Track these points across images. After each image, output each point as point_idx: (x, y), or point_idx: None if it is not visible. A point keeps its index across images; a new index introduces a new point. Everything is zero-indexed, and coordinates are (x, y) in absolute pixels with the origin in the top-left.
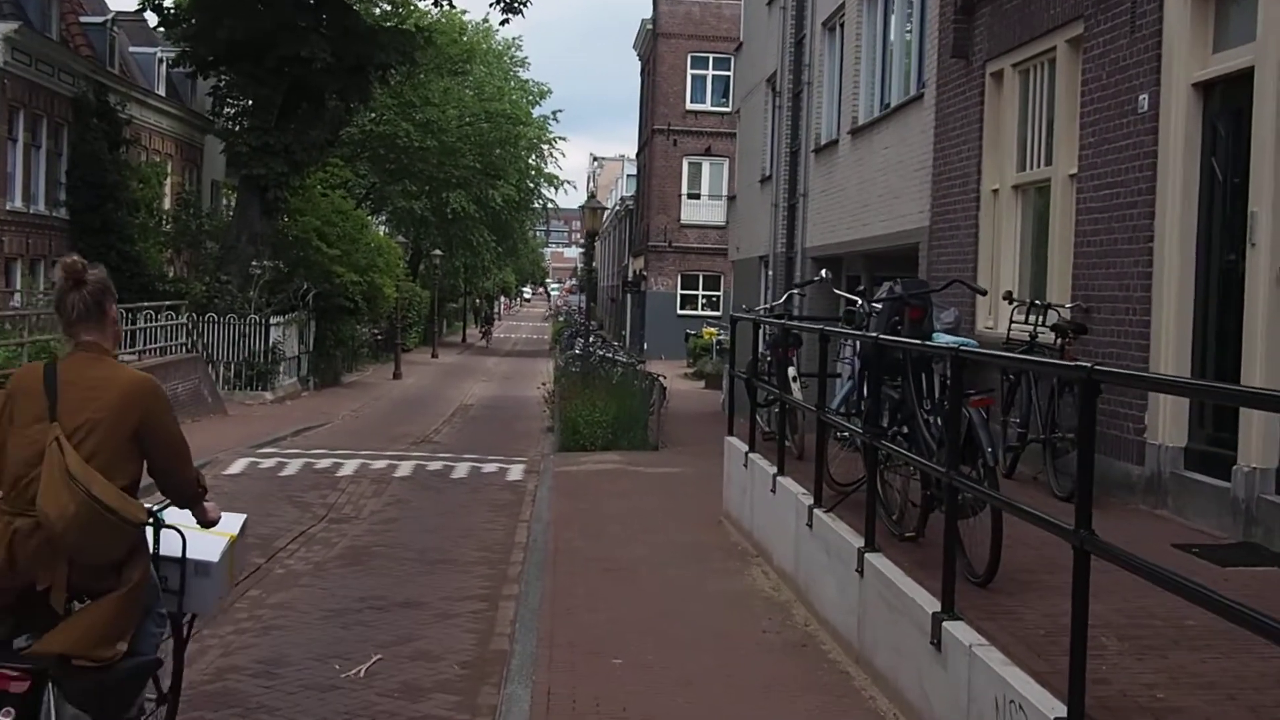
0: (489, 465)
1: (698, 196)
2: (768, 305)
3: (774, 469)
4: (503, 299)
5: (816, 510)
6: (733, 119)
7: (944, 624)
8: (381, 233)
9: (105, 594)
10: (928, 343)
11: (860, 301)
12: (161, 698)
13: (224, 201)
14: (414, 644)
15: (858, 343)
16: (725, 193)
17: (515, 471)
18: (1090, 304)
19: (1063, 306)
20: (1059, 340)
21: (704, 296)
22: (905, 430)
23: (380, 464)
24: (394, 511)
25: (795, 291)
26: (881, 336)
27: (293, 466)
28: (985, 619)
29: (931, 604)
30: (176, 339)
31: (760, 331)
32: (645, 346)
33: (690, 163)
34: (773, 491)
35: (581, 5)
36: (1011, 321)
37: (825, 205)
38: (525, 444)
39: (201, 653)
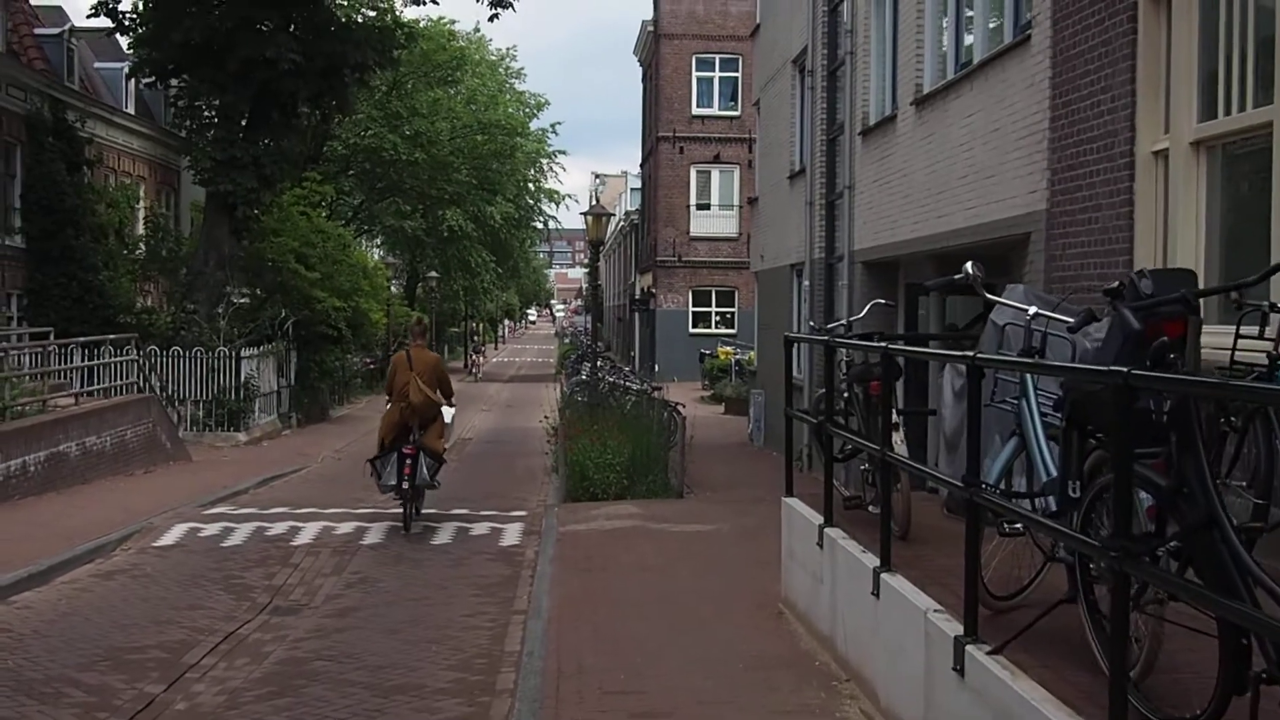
0: (479, 526)
1: (708, 207)
2: (844, 321)
3: (875, 561)
4: (507, 322)
5: (973, 649)
6: (743, 123)
7: None
8: (376, 255)
9: (433, 427)
10: None
11: (1033, 310)
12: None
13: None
14: None
15: (1028, 379)
16: (737, 202)
17: (511, 533)
18: None
19: None
20: None
21: (717, 314)
22: (1179, 545)
23: (347, 527)
24: (353, 597)
25: (882, 301)
26: (1137, 371)
27: (241, 533)
28: None
29: None
30: (128, 377)
31: (835, 358)
32: (656, 368)
33: (698, 171)
34: (875, 595)
35: (573, 29)
36: (1239, 335)
37: (879, 198)
38: (526, 489)
39: None
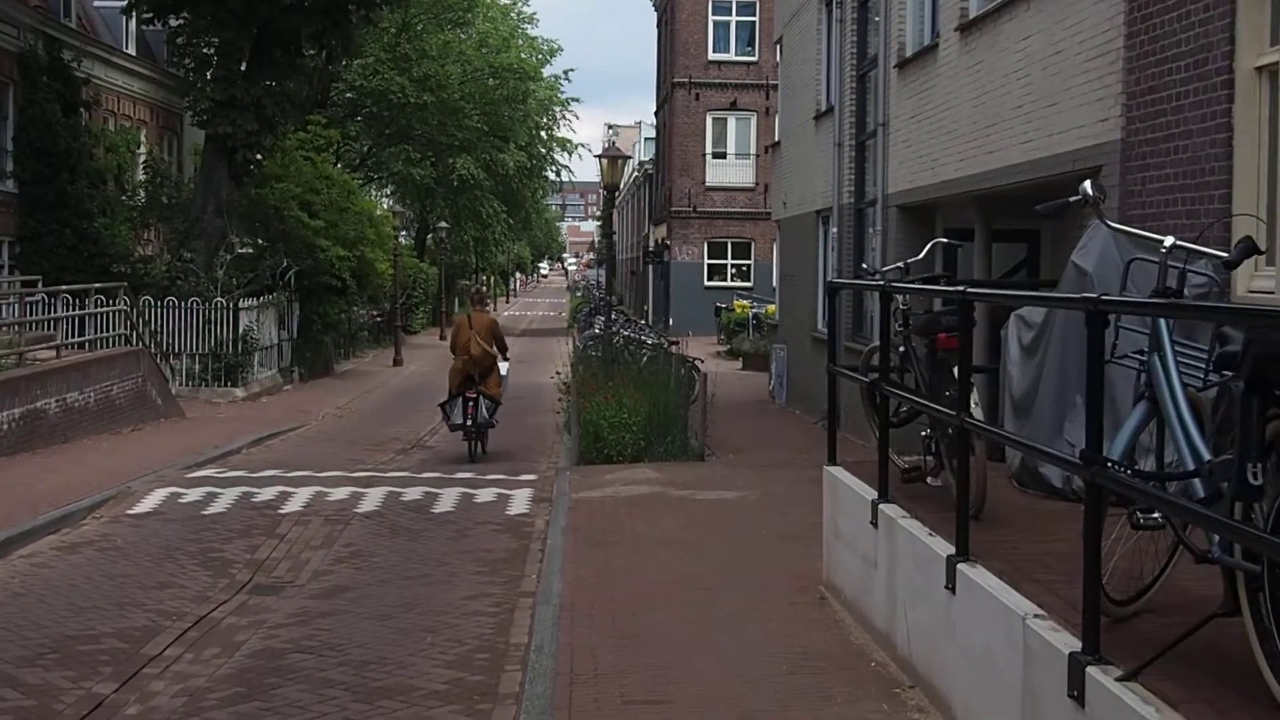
0: (485, 491)
1: (724, 156)
2: (901, 264)
3: (948, 548)
4: (518, 275)
5: (1097, 672)
6: (760, 69)
7: None
8: (385, 204)
9: (491, 376)
10: None
11: (1170, 241)
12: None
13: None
14: None
15: (1163, 328)
16: (754, 151)
17: (520, 499)
18: None
19: None
20: None
21: (734, 266)
22: None
23: (341, 493)
24: (343, 574)
25: (945, 240)
26: None
27: (225, 499)
28: None
29: None
30: (118, 328)
31: (889, 306)
32: (670, 322)
33: (715, 118)
34: (949, 589)
35: None
36: None
37: (917, 135)
38: (536, 450)
39: None
